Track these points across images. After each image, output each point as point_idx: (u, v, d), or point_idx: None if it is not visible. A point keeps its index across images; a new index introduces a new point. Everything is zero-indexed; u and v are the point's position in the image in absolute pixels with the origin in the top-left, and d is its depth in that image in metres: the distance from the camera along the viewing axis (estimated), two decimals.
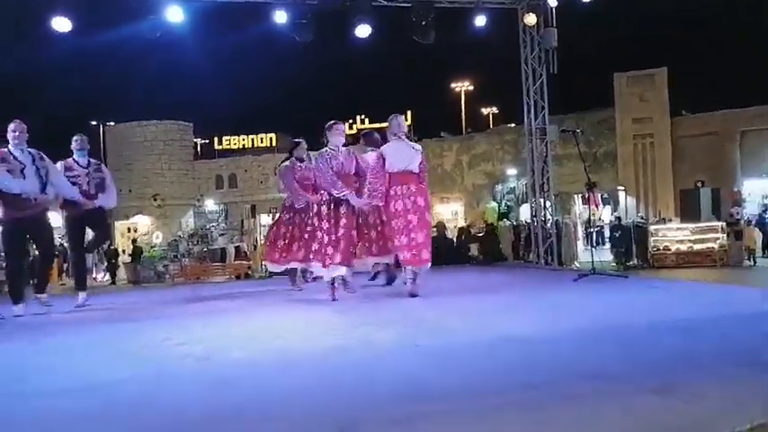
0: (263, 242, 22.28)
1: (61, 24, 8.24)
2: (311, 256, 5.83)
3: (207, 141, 37.77)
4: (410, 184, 5.61)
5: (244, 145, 36.59)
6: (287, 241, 6.69)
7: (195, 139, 37.26)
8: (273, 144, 36.09)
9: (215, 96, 42.42)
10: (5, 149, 5.76)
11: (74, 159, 6.42)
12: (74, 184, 6.23)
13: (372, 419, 2.24)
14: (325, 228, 5.66)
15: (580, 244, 20.18)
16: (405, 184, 5.59)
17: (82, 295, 6.48)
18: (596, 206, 23.58)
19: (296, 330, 4.49)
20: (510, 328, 3.92)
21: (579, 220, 21.20)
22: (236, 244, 23.34)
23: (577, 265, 14.73)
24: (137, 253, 21.81)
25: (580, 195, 23.69)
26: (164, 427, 2.30)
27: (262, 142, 36.09)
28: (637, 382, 2.50)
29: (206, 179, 36.05)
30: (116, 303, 7.29)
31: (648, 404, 2.23)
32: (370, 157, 5.95)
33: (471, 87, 39.05)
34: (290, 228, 6.71)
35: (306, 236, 6.13)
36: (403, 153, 5.65)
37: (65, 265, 18.66)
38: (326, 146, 5.80)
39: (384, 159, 5.61)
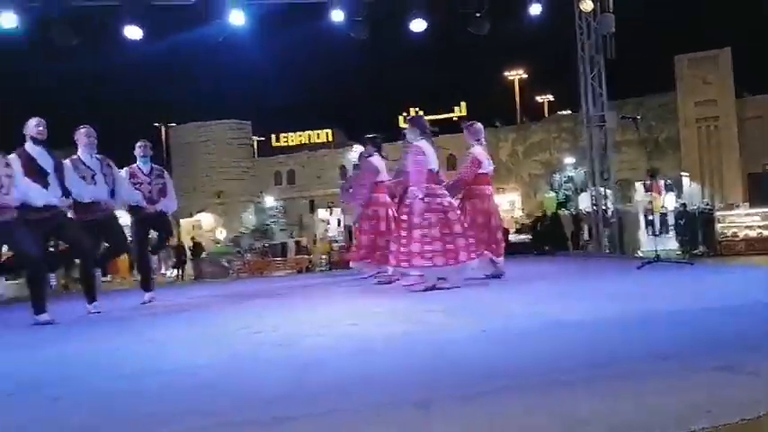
0: (321, 237, 22.87)
1: (133, 33, 8.71)
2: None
3: (264, 139, 38.63)
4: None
5: (301, 141, 37.28)
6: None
7: (254, 137, 38.17)
8: (330, 140, 36.63)
9: (272, 94, 43.29)
10: (76, 156, 6.06)
11: (137, 166, 6.75)
12: (137, 190, 6.57)
13: (445, 397, 2.38)
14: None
15: (643, 232, 19.73)
16: (490, 185, 6.58)
17: (148, 294, 6.81)
18: (658, 193, 22.95)
19: (366, 317, 4.68)
20: (573, 313, 4.00)
21: (641, 208, 20.69)
22: (296, 239, 23.89)
23: (640, 253, 14.46)
24: (197, 250, 22.66)
25: (642, 183, 23.11)
26: (248, 404, 2.50)
27: (318, 138, 36.67)
28: (699, 360, 2.56)
29: (265, 176, 36.92)
30: (187, 297, 7.69)
31: (713, 380, 2.30)
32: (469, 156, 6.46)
33: (525, 75, 38.55)
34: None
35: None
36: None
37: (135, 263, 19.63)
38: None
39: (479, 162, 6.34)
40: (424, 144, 5.79)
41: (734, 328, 3.23)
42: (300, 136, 37.26)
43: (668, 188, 24.72)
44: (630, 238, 14.98)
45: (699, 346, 2.86)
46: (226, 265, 20.49)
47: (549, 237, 14.34)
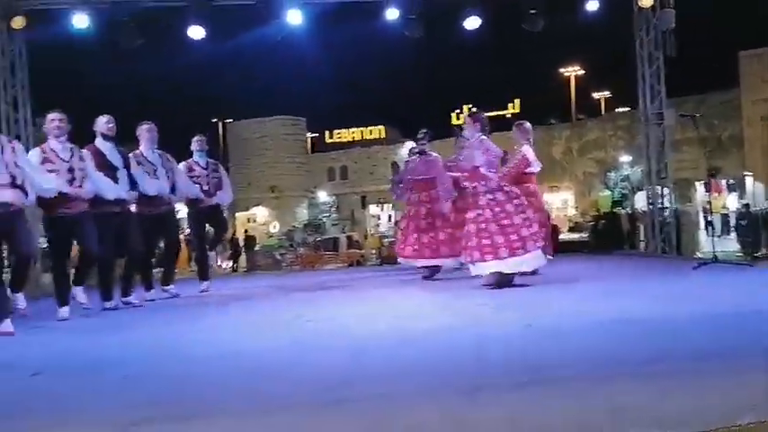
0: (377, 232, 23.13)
1: (196, 32, 9.04)
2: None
3: (318, 135, 39.18)
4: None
5: (354, 138, 37.66)
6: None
7: (308, 134, 38.77)
8: (383, 136, 36.85)
9: (327, 91, 43.71)
10: (139, 152, 6.28)
11: (194, 161, 6.93)
12: (195, 183, 6.76)
13: (491, 385, 2.48)
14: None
15: (702, 233, 19.14)
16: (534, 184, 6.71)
17: (205, 283, 7.08)
18: (718, 193, 22.20)
19: (416, 309, 4.81)
20: (625, 311, 4.02)
21: (701, 208, 20.07)
22: (348, 233, 24.17)
23: (699, 254, 14.07)
24: (250, 243, 23.21)
25: (702, 182, 22.40)
26: (308, 388, 2.64)
27: (371, 134, 36.96)
28: (748, 360, 2.56)
29: (319, 172, 37.48)
30: (243, 288, 7.97)
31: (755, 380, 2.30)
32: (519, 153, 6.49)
33: (582, 72, 37.76)
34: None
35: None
36: None
37: (193, 254, 20.26)
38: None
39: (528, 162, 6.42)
40: (485, 138, 5.71)
41: None
42: (353, 132, 37.65)
43: (731, 188, 23.88)
44: (689, 239, 14.57)
45: (744, 348, 2.84)
46: (278, 257, 20.91)
47: (608, 235, 14.04)
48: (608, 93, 37.13)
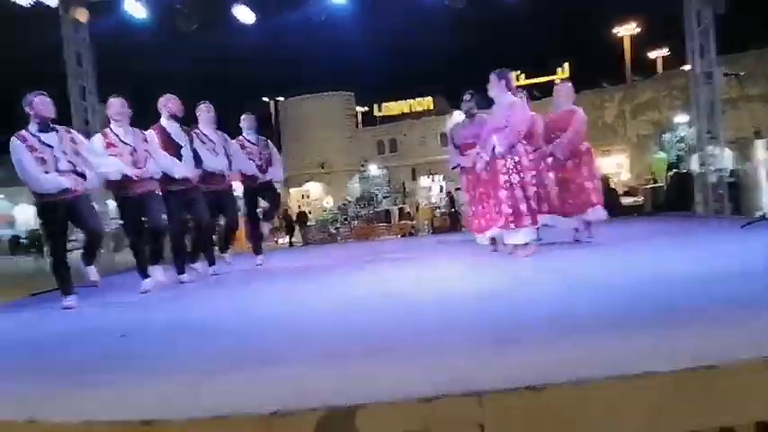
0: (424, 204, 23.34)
1: (245, 16, 9.40)
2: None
3: (367, 109, 39.40)
4: None
5: (402, 110, 37.72)
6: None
7: (357, 108, 39.04)
8: (431, 107, 36.77)
9: (374, 66, 43.76)
10: (199, 130, 6.50)
11: (244, 137, 7.09)
12: (249, 160, 6.97)
13: (528, 337, 2.74)
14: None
15: (764, 192, 18.51)
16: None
17: (260, 257, 7.41)
18: None
19: (462, 273, 5.10)
20: (660, 269, 4.19)
21: (761, 167, 19.38)
22: (400, 205, 24.43)
23: (759, 214, 13.71)
24: (302, 218, 23.84)
25: (764, 140, 21.53)
26: (358, 338, 2.98)
27: (420, 106, 36.94)
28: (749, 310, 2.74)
29: (369, 145, 37.80)
30: (301, 259, 8.38)
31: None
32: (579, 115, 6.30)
33: (638, 30, 36.46)
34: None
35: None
36: None
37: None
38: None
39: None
40: (516, 100, 5.59)
41: None
42: (402, 105, 37.70)
43: None
44: (749, 199, 14.20)
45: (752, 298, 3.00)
46: (333, 231, 21.37)
47: (675, 198, 13.79)
48: (666, 51, 35.74)
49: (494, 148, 5.52)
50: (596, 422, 2.01)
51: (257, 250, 7.52)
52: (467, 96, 6.51)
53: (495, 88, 5.63)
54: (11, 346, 3.81)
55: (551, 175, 6.32)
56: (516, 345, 2.58)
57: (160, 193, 5.83)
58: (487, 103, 6.04)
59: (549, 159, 6.33)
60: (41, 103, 4.94)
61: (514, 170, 5.42)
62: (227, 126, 7.08)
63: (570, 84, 6.71)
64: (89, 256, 5.38)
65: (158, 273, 5.84)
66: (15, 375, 2.87)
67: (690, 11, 9.65)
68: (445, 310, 3.56)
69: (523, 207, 5.37)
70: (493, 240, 6.16)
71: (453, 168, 6.70)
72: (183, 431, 2.04)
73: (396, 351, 2.67)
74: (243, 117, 7.21)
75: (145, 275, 5.72)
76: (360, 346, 2.82)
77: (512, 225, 5.39)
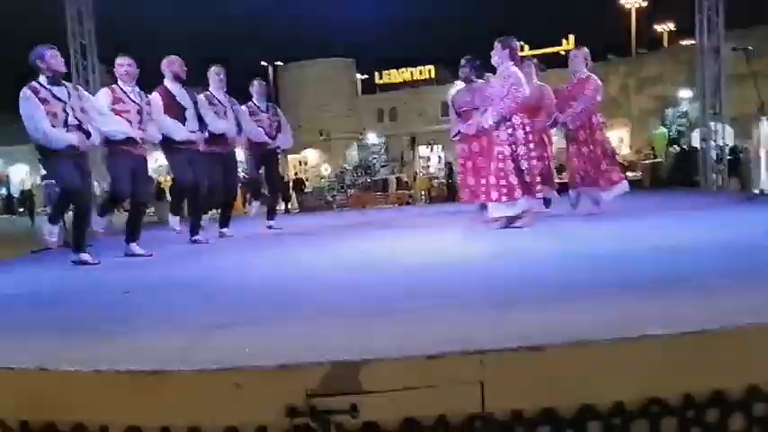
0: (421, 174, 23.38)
1: None
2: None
3: (368, 76, 39.03)
4: None
5: (403, 79, 37.39)
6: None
7: (357, 75, 38.68)
8: (432, 76, 36.43)
9: (375, 33, 43.30)
10: (209, 92, 6.50)
11: (255, 103, 7.12)
12: (258, 126, 6.99)
13: (527, 299, 2.81)
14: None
15: (763, 170, 18.55)
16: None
17: (271, 222, 7.52)
18: None
19: (462, 241, 5.16)
20: (654, 240, 4.26)
21: (763, 144, 19.38)
22: (398, 175, 24.45)
23: (756, 191, 13.78)
24: (298, 185, 23.87)
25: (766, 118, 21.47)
26: (363, 299, 3.03)
27: (421, 75, 36.61)
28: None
29: (368, 113, 37.56)
30: (300, 226, 8.45)
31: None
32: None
33: (644, 3, 36.00)
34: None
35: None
36: None
37: (247, 196, 20.94)
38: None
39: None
40: (515, 71, 5.47)
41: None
42: (403, 73, 37.34)
43: None
44: (749, 176, 14.24)
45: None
46: (330, 199, 21.41)
47: (676, 173, 13.84)
48: (672, 25, 35.36)
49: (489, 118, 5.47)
50: (593, 382, 2.07)
51: (270, 217, 7.59)
52: (463, 62, 6.38)
53: (497, 56, 5.54)
54: (17, 301, 3.86)
55: (570, 147, 6.30)
56: (516, 307, 2.65)
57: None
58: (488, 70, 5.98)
59: (562, 130, 6.32)
60: (53, 57, 4.87)
61: (507, 142, 5.37)
62: (228, 88, 6.94)
63: (586, 49, 6.51)
64: (102, 211, 5.66)
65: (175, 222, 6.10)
66: (26, 328, 2.92)
67: None
68: (447, 274, 3.62)
69: (514, 180, 5.33)
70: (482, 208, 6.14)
71: (454, 136, 6.55)
72: (192, 381, 2.10)
73: (400, 311, 2.72)
74: (254, 82, 7.23)
75: (131, 239, 5.54)
76: (365, 306, 2.87)
77: (504, 198, 5.36)
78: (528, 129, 5.51)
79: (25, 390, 2.21)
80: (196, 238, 6.22)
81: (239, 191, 7.92)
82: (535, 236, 5.04)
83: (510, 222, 5.48)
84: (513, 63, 5.55)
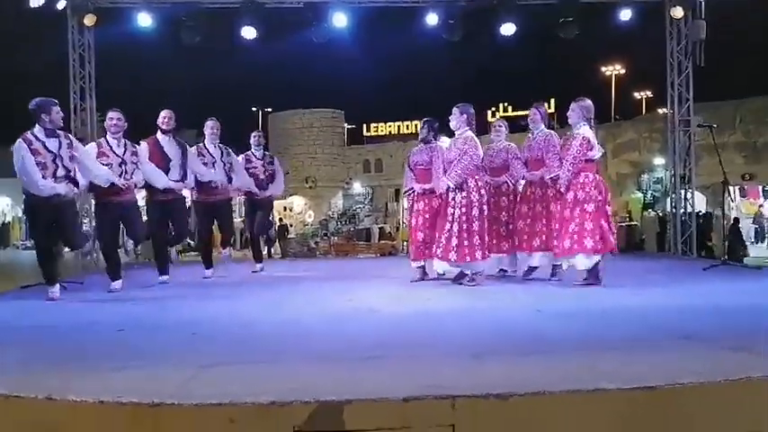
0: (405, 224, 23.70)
1: (248, 32, 9.73)
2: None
3: (355, 127, 39.78)
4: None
5: (390, 131, 38.17)
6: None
7: (345, 125, 39.40)
8: (418, 131, 37.15)
9: (366, 86, 44.34)
10: (202, 144, 6.98)
11: (252, 153, 7.61)
12: (251, 175, 7.39)
13: (500, 351, 3.06)
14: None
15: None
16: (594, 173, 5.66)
17: (259, 265, 7.79)
18: (754, 198, 22.16)
19: (440, 294, 5.39)
20: (622, 301, 4.55)
21: (734, 213, 20.08)
22: (381, 225, 24.72)
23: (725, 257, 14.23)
24: (283, 231, 24.03)
25: (737, 187, 22.29)
26: (346, 347, 3.26)
27: (407, 129, 37.39)
28: (718, 342, 3.09)
29: (354, 163, 38.12)
30: (284, 271, 8.62)
31: (727, 357, 2.82)
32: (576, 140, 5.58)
33: (623, 71, 37.45)
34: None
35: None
36: None
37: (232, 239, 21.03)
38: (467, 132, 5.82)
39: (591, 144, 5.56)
40: (472, 136, 5.71)
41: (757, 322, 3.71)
42: (390, 126, 38.17)
43: (766, 194, 23.72)
44: (720, 242, 14.72)
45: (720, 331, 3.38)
46: (313, 246, 21.55)
47: (628, 237, 14.38)
48: (650, 93, 36.55)
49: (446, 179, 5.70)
50: (552, 428, 2.31)
51: (257, 260, 7.90)
52: (422, 123, 6.64)
53: (455, 120, 5.81)
54: (17, 335, 4.01)
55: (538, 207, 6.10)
56: (487, 358, 2.89)
57: (140, 203, 6.29)
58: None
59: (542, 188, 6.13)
60: (58, 113, 5.29)
61: (460, 204, 5.59)
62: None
63: (583, 102, 5.74)
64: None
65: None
66: (28, 361, 3.09)
67: (672, 61, 10.17)
68: (424, 324, 3.88)
69: (464, 241, 5.55)
70: (422, 269, 6.28)
71: (406, 192, 6.70)
72: (189, 415, 2.30)
73: (380, 358, 2.95)
74: (253, 134, 7.75)
75: (115, 277, 5.92)
76: (349, 352, 3.10)
77: (452, 257, 5.60)
78: (483, 192, 5.70)
79: (31, 419, 2.39)
80: (161, 279, 6.53)
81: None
82: (513, 293, 5.31)
83: (457, 280, 5.79)
84: (469, 128, 5.80)
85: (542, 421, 2.31)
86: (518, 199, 6.38)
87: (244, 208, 7.88)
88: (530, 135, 6.39)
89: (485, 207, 5.71)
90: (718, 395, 2.39)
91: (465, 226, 5.59)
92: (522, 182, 6.42)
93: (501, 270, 6.52)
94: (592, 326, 3.73)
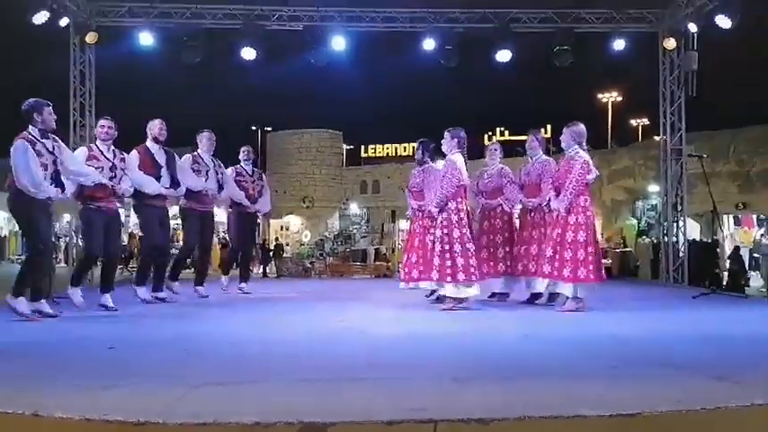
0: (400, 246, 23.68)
1: (248, 53, 9.87)
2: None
3: (353, 148, 40.00)
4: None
5: (387, 153, 38.42)
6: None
7: (343, 145, 39.62)
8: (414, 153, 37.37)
9: (364, 108, 44.68)
10: (197, 153, 7.07)
11: (242, 167, 7.70)
12: (242, 188, 7.49)
13: (483, 375, 3.09)
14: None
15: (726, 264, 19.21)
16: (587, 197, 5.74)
17: (243, 285, 7.77)
18: (749, 227, 22.25)
19: (429, 317, 5.43)
20: (608, 329, 4.59)
21: (727, 242, 20.18)
22: (377, 246, 24.69)
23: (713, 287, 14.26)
24: (278, 250, 24.01)
25: (731, 216, 22.43)
26: (330, 368, 3.29)
27: (405, 151, 37.61)
28: (701, 370, 3.13)
29: (352, 184, 38.27)
30: (278, 291, 8.65)
31: (708, 386, 2.86)
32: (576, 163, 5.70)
33: (620, 98, 37.83)
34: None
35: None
36: None
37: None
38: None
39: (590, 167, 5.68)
40: (459, 158, 5.83)
41: (743, 351, 3.75)
42: (387, 148, 38.42)
43: (760, 223, 23.84)
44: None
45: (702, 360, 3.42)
46: (308, 266, 21.51)
47: (621, 263, 14.44)
48: (646, 120, 36.81)
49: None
50: None
51: (243, 279, 7.89)
52: (417, 145, 6.79)
53: (446, 144, 5.97)
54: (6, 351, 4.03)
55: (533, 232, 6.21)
56: (470, 382, 2.93)
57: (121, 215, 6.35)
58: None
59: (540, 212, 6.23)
60: (50, 113, 5.27)
61: (441, 225, 5.72)
62: (215, 151, 7.40)
63: (575, 127, 5.85)
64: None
65: (77, 296, 5.82)
66: (17, 377, 3.11)
67: (664, 91, 10.33)
68: (410, 347, 3.91)
69: (449, 261, 5.66)
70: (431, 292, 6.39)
71: (407, 215, 6.86)
72: None
73: (364, 380, 2.99)
74: (242, 149, 7.81)
75: (107, 290, 5.86)
76: (333, 374, 3.13)
77: (431, 277, 5.80)
78: (462, 215, 5.78)
79: None
80: (160, 295, 6.53)
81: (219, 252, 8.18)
82: (502, 317, 5.36)
83: (438, 301, 5.94)
84: (459, 151, 5.91)
85: None
86: (513, 222, 6.51)
87: (228, 223, 7.81)
88: (529, 160, 6.54)
89: (465, 230, 5.79)
90: (697, 423, 2.43)
91: (447, 247, 5.70)
92: (519, 206, 6.55)
93: (495, 294, 6.60)
94: (576, 352, 3.76)
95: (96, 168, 5.76)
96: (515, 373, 3.14)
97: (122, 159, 6.10)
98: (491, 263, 6.42)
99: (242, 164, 7.75)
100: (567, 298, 5.65)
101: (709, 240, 15.90)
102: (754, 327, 5.02)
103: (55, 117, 5.34)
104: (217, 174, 7.13)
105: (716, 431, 2.44)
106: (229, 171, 7.52)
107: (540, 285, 5.95)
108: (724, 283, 7.41)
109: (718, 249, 14.82)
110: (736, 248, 17.90)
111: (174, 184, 6.53)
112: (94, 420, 2.38)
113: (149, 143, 6.52)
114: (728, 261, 15.82)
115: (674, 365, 3.28)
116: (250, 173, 7.73)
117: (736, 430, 2.45)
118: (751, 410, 2.50)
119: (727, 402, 2.52)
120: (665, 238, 10.44)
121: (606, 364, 3.33)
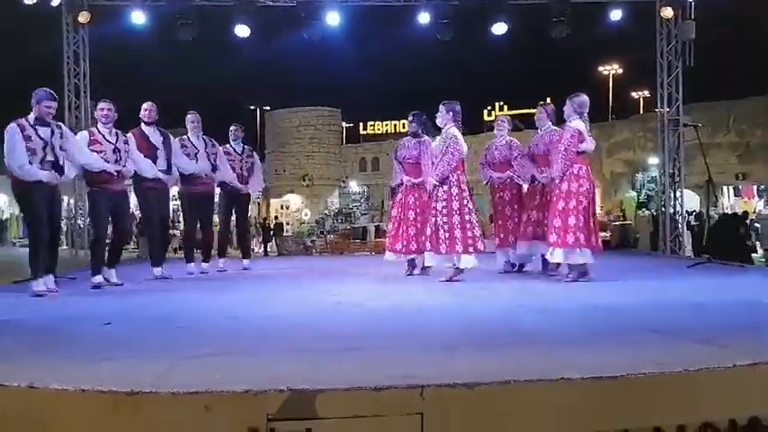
0: None
1: (242, 31, 9.81)
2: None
3: (352, 125, 39.85)
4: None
5: (387, 130, 38.26)
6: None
7: (342, 123, 39.47)
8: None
9: (362, 85, 44.45)
10: (186, 136, 7.10)
11: (230, 146, 7.66)
12: (231, 167, 7.45)
13: (472, 344, 3.14)
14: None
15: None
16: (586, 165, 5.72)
17: (246, 261, 7.87)
18: (749, 198, 22.28)
19: (423, 290, 5.47)
20: (602, 299, 4.63)
21: (728, 212, 20.19)
22: (377, 223, 24.75)
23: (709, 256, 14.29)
24: (278, 228, 24.12)
25: (731, 187, 22.44)
26: (326, 339, 3.34)
27: (404, 128, 37.39)
28: (686, 335, 3.18)
29: (351, 162, 38.23)
30: (278, 268, 8.70)
31: (692, 349, 2.91)
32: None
33: (621, 70, 37.51)
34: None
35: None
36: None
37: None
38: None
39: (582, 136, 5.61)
40: (458, 132, 5.85)
41: (730, 316, 3.80)
42: (387, 125, 38.25)
43: (760, 194, 23.84)
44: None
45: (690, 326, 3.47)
46: (309, 244, 21.58)
47: (621, 235, 14.45)
48: (647, 92, 36.56)
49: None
50: (517, 416, 2.39)
51: (245, 256, 7.98)
52: (411, 117, 6.66)
53: (441, 118, 5.98)
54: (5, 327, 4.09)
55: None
56: (460, 350, 2.97)
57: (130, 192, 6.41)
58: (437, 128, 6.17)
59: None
60: (47, 107, 5.33)
61: (442, 198, 5.75)
62: (214, 132, 7.57)
63: (576, 98, 5.80)
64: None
65: (114, 277, 6.05)
66: (15, 352, 3.17)
67: (661, 61, 10.26)
68: (405, 319, 3.95)
69: (447, 233, 5.71)
70: (411, 262, 6.46)
71: (397, 185, 6.74)
72: (166, 402, 2.38)
73: (355, 349, 3.03)
74: (231, 128, 7.76)
75: (97, 272, 5.95)
76: (324, 344, 3.18)
77: (437, 248, 5.78)
78: (463, 186, 5.82)
79: (14, 406, 2.47)
80: (161, 273, 6.58)
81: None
82: (496, 288, 5.40)
83: (443, 275, 5.89)
84: (454, 125, 5.92)
85: (507, 409, 2.39)
86: (522, 194, 6.56)
87: (218, 204, 7.75)
88: (538, 132, 6.56)
89: (466, 201, 5.82)
90: (678, 385, 2.47)
91: (446, 219, 5.75)
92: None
93: (508, 263, 6.64)
94: (567, 321, 3.81)
95: (99, 153, 5.84)
96: (504, 340, 3.19)
97: (125, 141, 6.14)
98: (501, 236, 6.54)
99: (231, 143, 7.70)
100: (568, 267, 5.70)
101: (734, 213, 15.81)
102: (747, 294, 5.06)
103: (52, 112, 5.39)
104: (209, 155, 7.13)
105: (697, 392, 2.48)
106: (220, 150, 7.45)
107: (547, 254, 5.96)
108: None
109: (747, 221, 14.54)
110: (744, 216, 17.88)
111: (169, 167, 6.59)
112: (89, 391, 2.43)
113: (144, 126, 6.56)
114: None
115: (661, 331, 3.32)
116: (239, 151, 7.69)
117: (717, 391, 2.50)
118: (734, 371, 2.55)
119: (708, 364, 2.56)
120: (663, 209, 10.45)
121: (596, 330, 3.39)
